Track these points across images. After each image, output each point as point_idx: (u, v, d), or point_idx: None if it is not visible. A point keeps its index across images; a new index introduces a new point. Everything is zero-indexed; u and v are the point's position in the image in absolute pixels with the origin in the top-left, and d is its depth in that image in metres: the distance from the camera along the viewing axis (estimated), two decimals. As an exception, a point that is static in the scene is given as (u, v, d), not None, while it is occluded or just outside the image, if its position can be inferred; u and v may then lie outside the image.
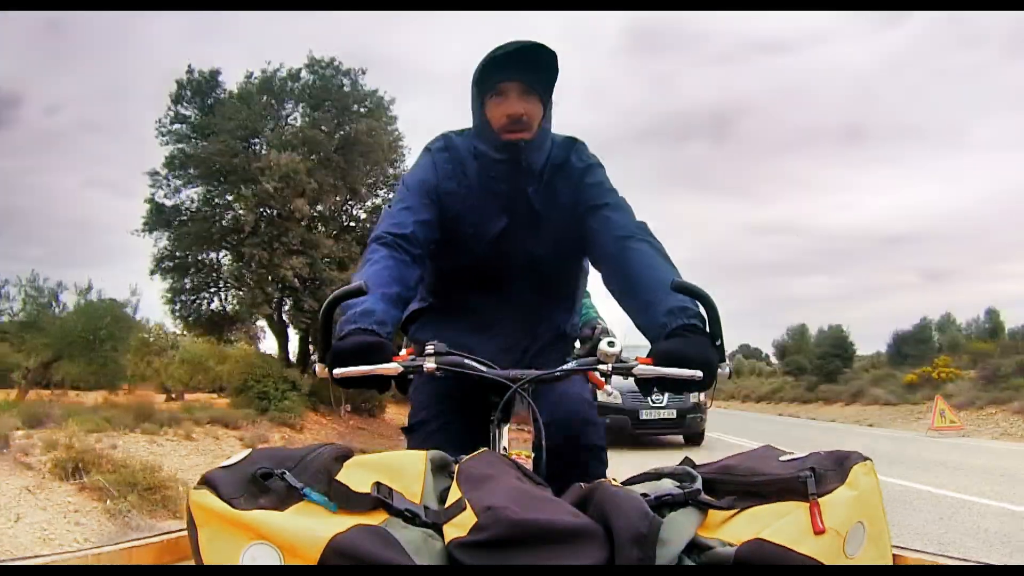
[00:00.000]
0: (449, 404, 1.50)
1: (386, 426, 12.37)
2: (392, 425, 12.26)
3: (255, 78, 12.39)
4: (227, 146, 11.40)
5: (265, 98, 12.35)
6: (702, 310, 1.20)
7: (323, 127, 12.12)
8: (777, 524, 0.83)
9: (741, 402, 29.45)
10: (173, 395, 13.15)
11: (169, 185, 12.14)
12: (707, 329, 1.19)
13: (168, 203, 12.20)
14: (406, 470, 0.87)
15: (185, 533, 0.80)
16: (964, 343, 22.43)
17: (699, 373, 1.13)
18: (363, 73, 12.79)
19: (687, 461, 1.02)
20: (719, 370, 1.16)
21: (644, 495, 0.87)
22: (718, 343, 1.18)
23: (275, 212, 11.57)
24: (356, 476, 0.83)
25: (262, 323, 13.54)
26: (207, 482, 0.78)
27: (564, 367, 1.22)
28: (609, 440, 1.63)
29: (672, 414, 10.08)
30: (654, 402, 9.85)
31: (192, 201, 12.19)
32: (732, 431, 13.19)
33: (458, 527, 0.80)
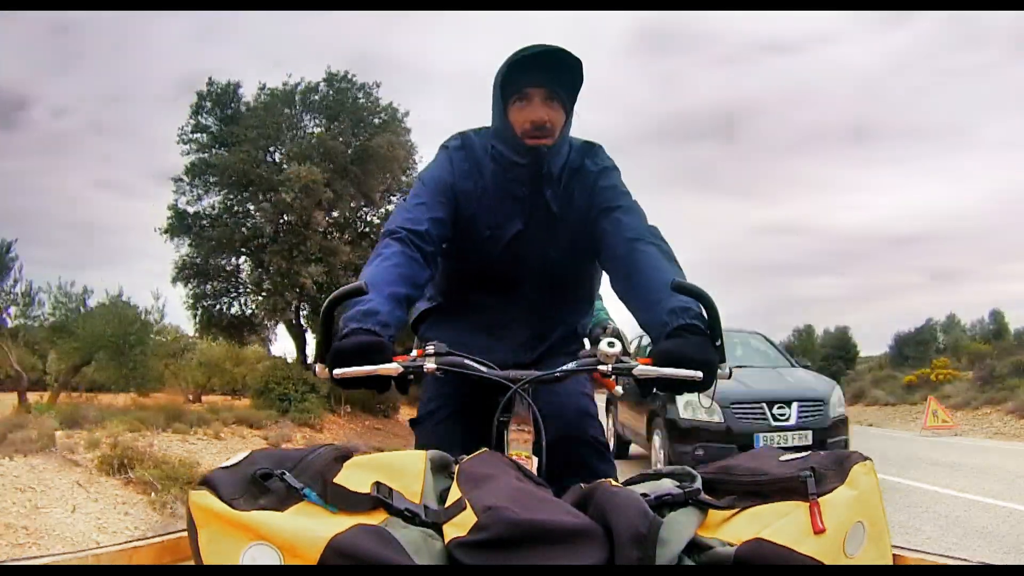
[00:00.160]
0: (457, 397, 1.47)
1: (400, 426, 12.38)
2: (407, 425, 12.26)
3: (275, 90, 12.52)
4: (249, 156, 11.51)
5: (286, 110, 12.46)
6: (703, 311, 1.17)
7: (340, 138, 12.19)
8: (777, 524, 0.81)
9: (746, 402, 29.08)
10: (190, 397, 13.19)
11: (192, 192, 12.29)
12: (708, 329, 1.16)
13: (190, 210, 12.36)
14: (406, 470, 0.85)
15: (185, 534, 0.78)
16: (962, 345, 22.15)
17: (699, 374, 1.10)
18: (378, 86, 12.88)
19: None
20: (719, 370, 1.13)
21: (644, 495, 0.85)
22: (718, 343, 1.14)
23: (294, 221, 11.66)
24: (356, 476, 0.81)
25: (280, 328, 13.63)
26: (207, 483, 0.76)
27: (564, 367, 1.19)
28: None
29: (807, 438, 5.97)
30: (778, 417, 6.01)
31: (213, 208, 12.32)
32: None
33: (458, 527, 0.77)
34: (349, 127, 12.38)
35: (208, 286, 12.67)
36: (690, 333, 1.15)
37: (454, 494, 0.83)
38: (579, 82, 1.42)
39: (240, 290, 12.89)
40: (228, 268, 12.72)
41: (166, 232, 12.25)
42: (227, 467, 0.80)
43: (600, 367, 1.14)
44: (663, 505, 0.85)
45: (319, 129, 12.54)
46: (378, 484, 0.81)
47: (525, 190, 1.45)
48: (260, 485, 0.78)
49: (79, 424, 7.01)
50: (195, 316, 12.74)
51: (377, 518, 0.78)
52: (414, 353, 1.19)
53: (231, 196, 12.20)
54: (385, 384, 1.14)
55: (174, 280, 12.39)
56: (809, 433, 6.00)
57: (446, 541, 0.77)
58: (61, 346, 10.30)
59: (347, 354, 1.11)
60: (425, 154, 13.25)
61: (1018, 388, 13.85)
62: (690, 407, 6.09)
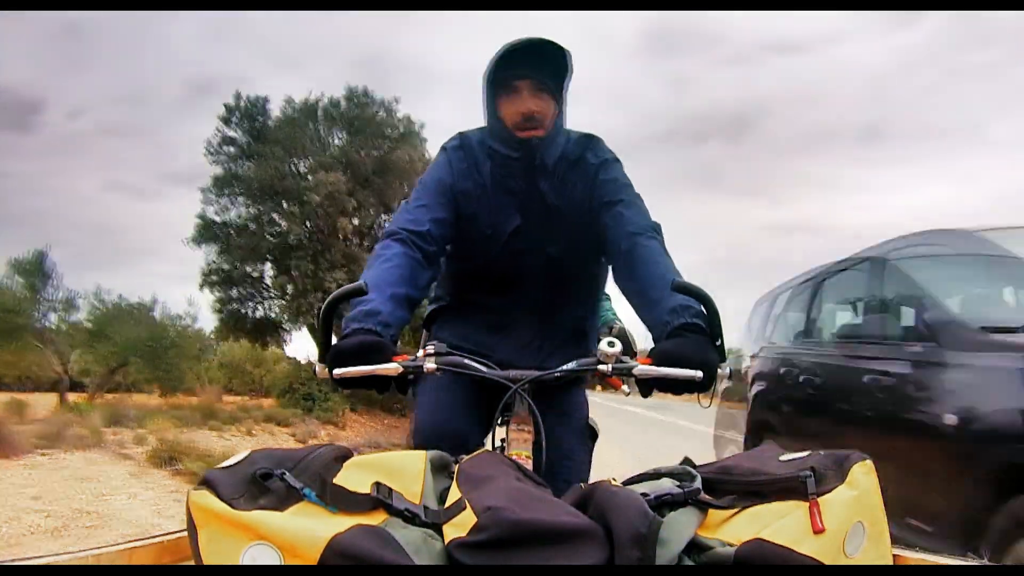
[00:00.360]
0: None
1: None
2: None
3: (299, 103, 12.68)
4: (276, 170, 11.66)
5: (310, 125, 12.62)
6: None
7: (361, 151, 12.31)
8: (777, 524, 0.77)
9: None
10: (221, 397, 13.35)
11: (219, 202, 12.48)
12: (708, 329, 1.11)
13: (217, 219, 12.55)
14: (406, 470, 0.82)
15: (185, 534, 0.76)
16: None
17: (699, 373, 1.05)
18: (396, 102, 12.98)
19: (687, 461, 0.95)
20: (719, 371, 1.08)
21: (644, 495, 0.81)
22: (718, 343, 1.09)
23: (320, 228, 11.81)
24: (355, 476, 0.78)
25: (294, 330, 13.81)
26: (207, 482, 0.74)
27: (563, 367, 1.14)
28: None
29: None
30: None
31: (240, 218, 12.49)
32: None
33: (458, 527, 0.74)
34: (370, 140, 12.49)
35: (234, 291, 12.85)
36: (690, 332, 1.10)
37: (454, 494, 0.80)
38: (567, 71, 1.38)
39: (264, 295, 13.06)
40: (254, 274, 12.89)
41: (193, 240, 12.46)
42: (227, 467, 0.77)
43: (600, 367, 1.10)
44: (663, 505, 0.81)
45: (340, 142, 12.68)
46: (378, 484, 0.78)
47: (520, 183, 1.41)
48: (260, 485, 0.75)
49: (120, 422, 7.28)
50: (221, 319, 12.93)
51: (377, 518, 0.75)
52: (420, 353, 1.16)
53: (258, 206, 12.36)
54: (385, 384, 1.10)
55: (201, 286, 12.68)
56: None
57: (446, 541, 0.74)
58: (99, 350, 10.45)
59: (347, 354, 1.08)
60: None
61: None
62: None
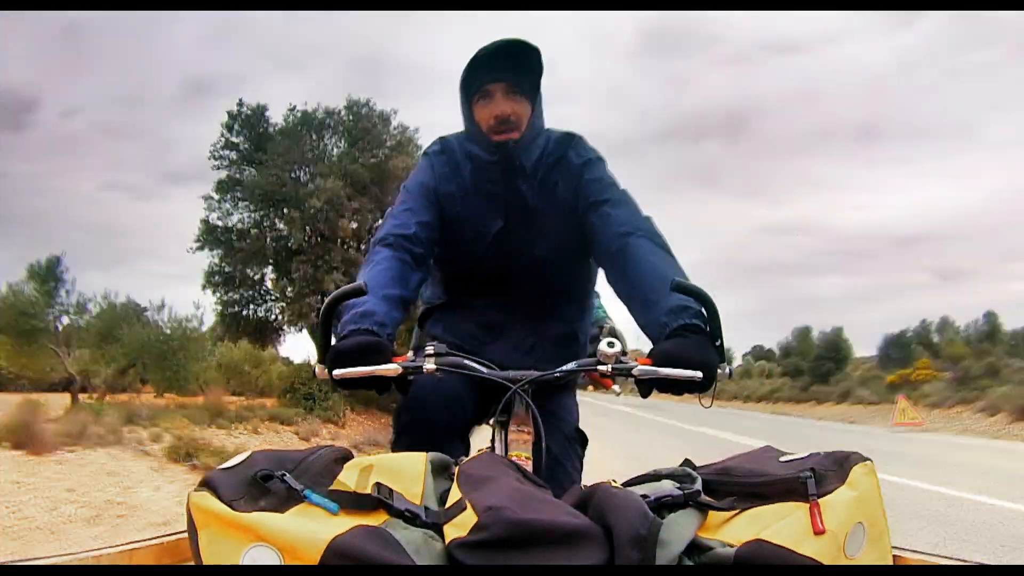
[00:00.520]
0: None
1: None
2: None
3: (297, 111, 12.70)
4: (277, 178, 11.66)
5: (312, 136, 12.63)
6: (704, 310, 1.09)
7: (359, 159, 12.31)
8: (777, 525, 0.75)
9: (743, 402, 28.51)
10: (223, 398, 13.29)
11: (220, 208, 12.49)
12: (708, 329, 1.07)
13: (220, 224, 12.55)
14: (406, 471, 0.79)
15: (185, 535, 0.73)
16: (943, 347, 21.77)
17: (699, 374, 1.01)
18: (395, 113, 13.00)
19: (687, 462, 0.92)
20: (719, 371, 1.04)
21: (644, 496, 0.79)
22: (718, 343, 1.05)
23: (320, 233, 11.82)
24: (356, 477, 0.76)
25: (291, 332, 13.81)
26: (207, 484, 0.71)
27: (563, 367, 1.11)
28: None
29: None
30: None
31: (242, 223, 12.52)
32: (716, 426, 12.90)
33: (458, 527, 0.72)
34: (368, 149, 12.51)
35: (236, 293, 12.86)
36: (690, 333, 1.06)
37: (454, 495, 0.77)
38: (540, 72, 1.35)
39: (265, 297, 13.07)
40: (255, 277, 12.90)
41: (197, 244, 12.45)
42: (227, 468, 0.74)
43: (600, 367, 1.06)
44: (663, 506, 0.79)
45: (339, 151, 12.70)
46: (378, 485, 0.75)
47: (500, 186, 1.37)
48: (260, 486, 0.72)
49: (134, 421, 7.37)
50: (223, 320, 12.92)
51: (377, 519, 0.73)
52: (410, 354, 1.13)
53: (260, 212, 12.38)
54: (385, 385, 1.07)
55: (203, 287, 12.68)
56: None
57: (446, 542, 0.72)
58: (109, 351, 10.41)
59: (346, 355, 1.05)
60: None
61: (989, 388, 13.79)
62: None
